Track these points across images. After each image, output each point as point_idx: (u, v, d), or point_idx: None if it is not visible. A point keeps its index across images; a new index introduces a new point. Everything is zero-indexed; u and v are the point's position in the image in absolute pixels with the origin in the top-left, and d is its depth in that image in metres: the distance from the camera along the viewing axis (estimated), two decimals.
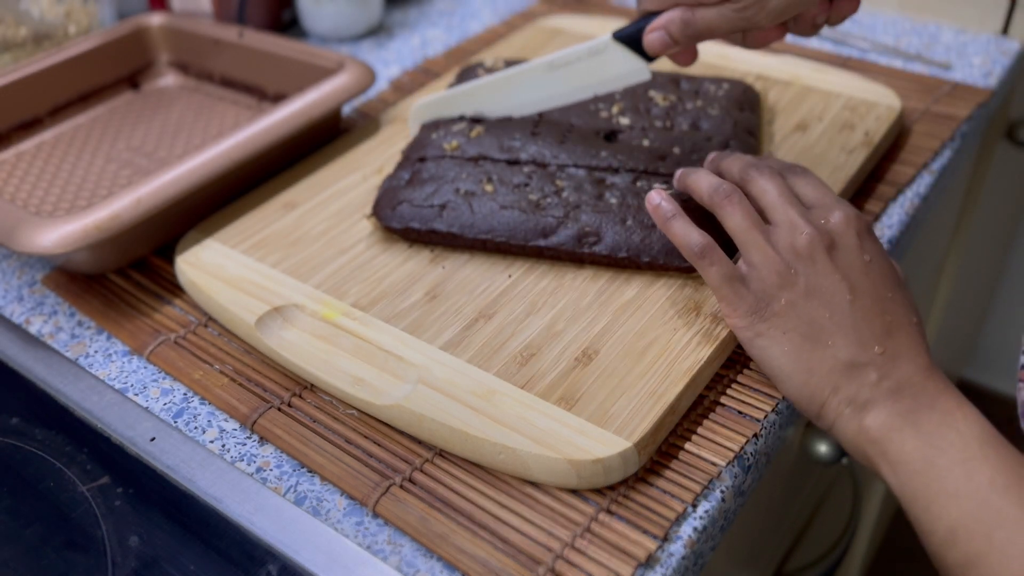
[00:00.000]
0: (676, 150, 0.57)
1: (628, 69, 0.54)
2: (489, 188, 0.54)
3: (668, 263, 0.50)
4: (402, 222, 0.53)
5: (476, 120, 0.62)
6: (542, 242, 0.51)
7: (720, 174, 0.49)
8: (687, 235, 0.44)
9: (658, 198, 0.46)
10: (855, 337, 0.41)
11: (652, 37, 0.50)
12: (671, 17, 0.49)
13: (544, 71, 0.56)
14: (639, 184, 0.54)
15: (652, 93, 0.63)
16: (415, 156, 0.58)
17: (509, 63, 0.68)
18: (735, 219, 0.44)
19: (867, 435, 0.40)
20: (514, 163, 0.57)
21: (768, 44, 0.50)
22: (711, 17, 0.47)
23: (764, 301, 0.43)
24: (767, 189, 0.45)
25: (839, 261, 0.42)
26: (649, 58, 0.52)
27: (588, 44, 0.54)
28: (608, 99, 0.63)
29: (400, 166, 0.58)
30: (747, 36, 0.50)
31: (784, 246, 0.43)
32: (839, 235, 0.43)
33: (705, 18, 0.47)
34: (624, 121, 0.60)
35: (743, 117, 0.61)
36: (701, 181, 0.47)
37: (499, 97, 0.59)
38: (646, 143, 0.58)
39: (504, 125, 0.60)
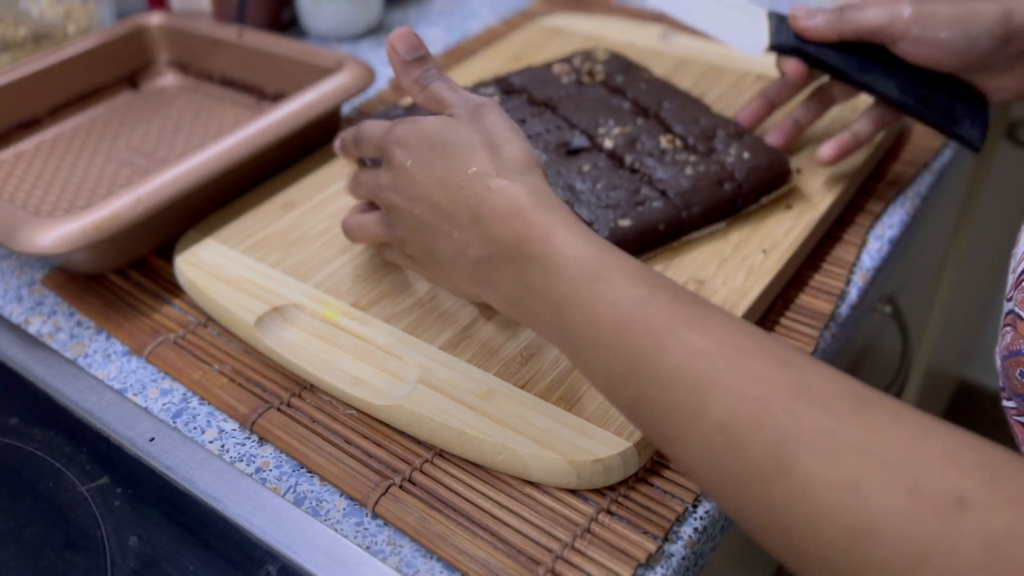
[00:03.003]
0: (599, 186, 0.53)
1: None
2: None
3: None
4: None
5: (509, 91, 0.63)
6: None
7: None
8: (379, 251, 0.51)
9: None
10: (437, 235, 0.41)
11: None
12: None
13: None
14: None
15: (664, 135, 0.58)
16: None
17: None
18: (361, 237, 0.49)
19: (509, 307, 0.40)
20: None
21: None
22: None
23: (407, 256, 0.46)
24: (365, 191, 0.47)
25: (398, 189, 0.43)
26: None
27: None
28: (623, 119, 0.60)
29: None
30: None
31: (385, 215, 0.45)
32: (390, 168, 0.43)
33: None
34: (608, 144, 0.57)
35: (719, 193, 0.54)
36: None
37: None
38: (587, 169, 0.55)
39: (513, 107, 0.61)
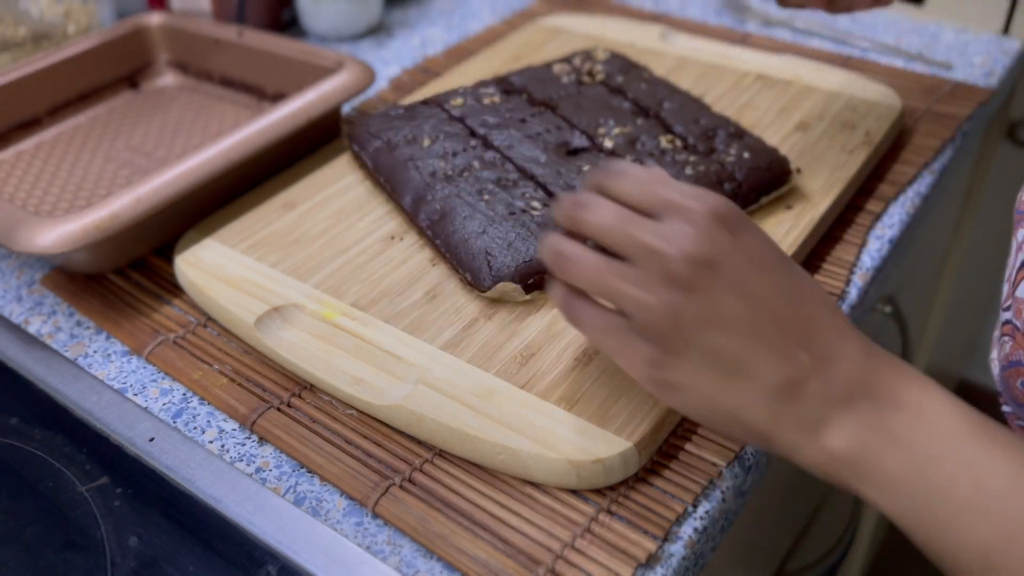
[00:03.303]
0: None
1: None
2: (427, 143, 0.58)
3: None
4: (352, 140, 0.60)
5: (509, 91, 0.64)
6: (405, 203, 0.55)
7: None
8: (558, 299, 0.39)
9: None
10: (773, 354, 0.34)
11: None
12: None
13: None
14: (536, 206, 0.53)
15: (664, 135, 0.59)
16: (435, 98, 0.63)
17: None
18: (584, 278, 0.37)
19: (836, 459, 0.34)
20: (471, 134, 0.59)
21: (857, 10, 0.50)
22: None
23: (656, 347, 0.35)
24: (602, 225, 0.36)
25: (723, 274, 0.34)
26: None
27: None
28: (623, 119, 0.60)
29: (422, 102, 0.63)
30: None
31: (655, 282, 0.35)
32: (708, 243, 0.34)
33: None
34: (608, 144, 0.58)
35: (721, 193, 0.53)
36: (543, 254, 0.39)
37: None
38: (587, 169, 0.55)
39: (513, 107, 0.62)
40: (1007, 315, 0.45)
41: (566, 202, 0.38)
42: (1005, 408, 0.46)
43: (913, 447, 0.33)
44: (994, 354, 0.47)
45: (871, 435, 0.34)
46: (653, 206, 0.36)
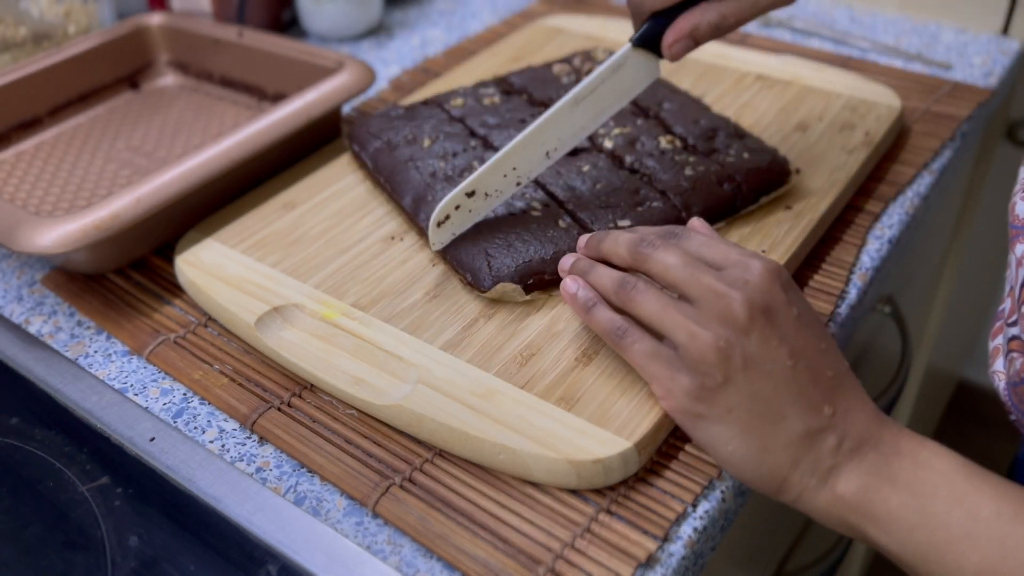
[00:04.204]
0: (599, 186, 0.54)
1: (644, 73, 0.50)
2: (427, 143, 0.58)
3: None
4: (352, 140, 0.61)
5: (509, 92, 0.64)
6: (405, 203, 0.55)
7: (605, 259, 0.44)
8: (610, 321, 0.42)
9: (574, 287, 0.43)
10: (805, 404, 0.38)
11: (678, 48, 0.47)
12: (697, 23, 0.46)
13: (570, 108, 0.50)
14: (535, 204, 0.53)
15: (664, 135, 0.59)
16: (435, 99, 0.64)
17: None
18: (647, 307, 0.40)
19: (843, 502, 0.37)
20: (471, 135, 0.59)
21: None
22: (744, 9, 0.46)
23: (698, 379, 0.39)
24: (669, 263, 0.40)
25: (775, 323, 0.38)
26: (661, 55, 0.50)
27: (609, 61, 0.50)
28: (623, 120, 0.60)
29: (422, 103, 0.64)
30: None
31: (712, 319, 0.38)
32: (765, 293, 0.38)
33: (738, 12, 0.46)
34: (608, 144, 0.58)
35: (714, 193, 0.54)
36: (603, 280, 0.43)
37: (515, 159, 0.51)
38: (587, 169, 0.56)
39: (513, 107, 0.62)
40: (1014, 330, 0.45)
41: (627, 239, 0.42)
42: (1012, 417, 0.46)
43: (912, 487, 0.36)
44: (998, 366, 0.47)
45: (875, 479, 0.37)
46: (715, 260, 0.40)
